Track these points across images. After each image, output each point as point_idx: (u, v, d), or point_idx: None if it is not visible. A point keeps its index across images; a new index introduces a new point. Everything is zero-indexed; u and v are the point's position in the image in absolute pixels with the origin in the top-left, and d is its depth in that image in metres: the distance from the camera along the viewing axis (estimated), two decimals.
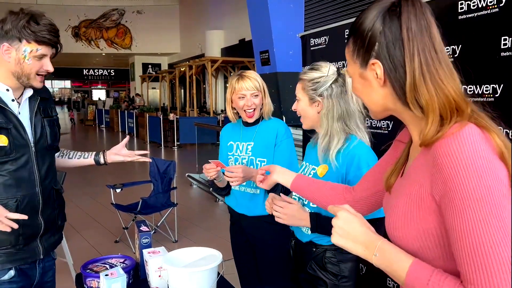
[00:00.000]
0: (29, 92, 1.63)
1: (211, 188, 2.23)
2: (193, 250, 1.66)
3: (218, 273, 1.57)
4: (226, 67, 14.48)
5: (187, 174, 7.33)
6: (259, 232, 2.08)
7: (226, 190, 2.16)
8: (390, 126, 2.41)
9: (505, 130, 1.75)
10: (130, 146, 13.25)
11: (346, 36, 2.40)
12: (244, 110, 2.03)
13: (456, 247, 0.76)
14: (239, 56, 13.29)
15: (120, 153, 1.92)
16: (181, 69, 15.78)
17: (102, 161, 1.92)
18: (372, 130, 2.26)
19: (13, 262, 1.57)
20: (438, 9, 2.05)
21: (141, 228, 1.87)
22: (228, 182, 2.00)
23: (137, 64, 22.80)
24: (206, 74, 16.42)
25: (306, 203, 1.59)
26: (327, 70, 1.55)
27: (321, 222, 1.49)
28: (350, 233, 0.88)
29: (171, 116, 12.99)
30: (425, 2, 0.88)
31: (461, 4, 1.90)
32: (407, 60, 0.83)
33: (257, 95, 2.03)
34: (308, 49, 3.08)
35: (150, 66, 22.85)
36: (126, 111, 16.45)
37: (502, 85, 1.76)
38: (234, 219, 2.21)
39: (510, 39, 1.70)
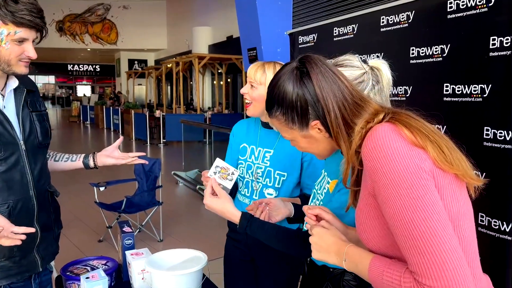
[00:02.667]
0: (14, 83, 1.44)
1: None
2: (177, 252, 1.62)
3: (204, 275, 1.53)
4: (213, 64, 14.40)
5: (173, 172, 7.25)
6: (268, 252, 1.75)
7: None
8: None
9: (492, 131, 1.74)
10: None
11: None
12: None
13: (394, 234, 0.83)
14: (226, 53, 13.22)
15: (112, 155, 1.74)
16: (168, 65, 15.63)
17: (91, 164, 1.74)
18: None
19: (9, 277, 1.41)
20: (427, 9, 2.04)
21: (124, 229, 1.81)
22: (232, 188, 1.68)
23: (123, 60, 22.52)
24: (193, 71, 16.30)
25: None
26: (360, 64, 1.23)
27: (252, 226, 1.30)
28: (323, 246, 0.99)
29: (157, 113, 12.87)
30: (322, 57, 1.01)
31: (450, 3, 1.89)
32: (327, 116, 0.97)
33: (254, 87, 1.70)
34: (297, 46, 3.05)
35: (136, 62, 22.60)
36: (111, 107, 16.24)
37: (490, 85, 1.75)
38: (237, 235, 1.88)
39: (499, 39, 1.69)
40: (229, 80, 15.89)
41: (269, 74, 1.67)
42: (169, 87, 20.73)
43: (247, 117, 1.91)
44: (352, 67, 1.23)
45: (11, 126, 1.41)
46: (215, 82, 16.35)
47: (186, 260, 1.57)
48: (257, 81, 1.69)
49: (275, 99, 1.01)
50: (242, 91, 1.75)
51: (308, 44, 2.92)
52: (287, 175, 1.74)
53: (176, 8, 19.36)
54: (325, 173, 1.47)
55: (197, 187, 6.23)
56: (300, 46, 3.02)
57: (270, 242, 1.31)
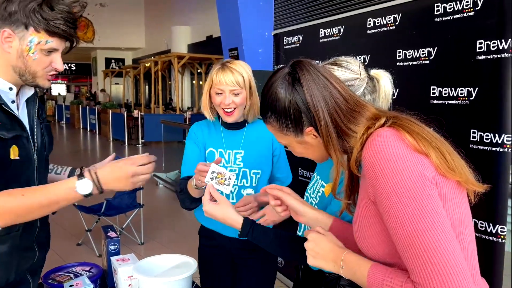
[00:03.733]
0: (29, 92, 1.30)
1: (180, 195, 1.79)
2: (166, 257, 1.57)
3: (193, 282, 1.49)
4: (193, 63, 14.28)
5: (153, 173, 7.14)
6: (250, 256, 1.79)
7: (198, 203, 1.73)
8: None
9: (479, 133, 1.77)
10: (92, 144, 12.85)
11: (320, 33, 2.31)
12: (222, 108, 1.70)
13: (395, 242, 0.81)
14: (206, 53, 13.14)
15: None
16: (146, 64, 15.42)
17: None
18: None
19: None
20: (414, 11, 2.06)
21: (108, 234, 1.75)
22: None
23: (99, 59, 22.09)
24: (172, 71, 16.14)
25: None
26: (357, 69, 1.21)
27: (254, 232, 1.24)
28: (320, 252, 0.97)
29: (136, 113, 12.67)
30: (313, 61, 0.99)
31: (437, 6, 1.91)
32: (317, 123, 0.94)
33: (238, 93, 1.66)
34: (282, 47, 3.04)
35: (113, 61, 22.19)
36: (88, 107, 15.92)
37: (477, 88, 1.77)
38: (217, 243, 1.83)
39: (486, 42, 1.71)
40: None
41: (244, 73, 1.67)
42: (147, 87, 20.46)
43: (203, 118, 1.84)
44: (347, 69, 1.22)
45: (28, 139, 1.26)
46: (194, 82, 16.23)
47: (175, 266, 1.52)
48: (240, 85, 1.66)
49: (269, 105, 0.99)
50: (225, 102, 1.66)
51: (294, 45, 2.91)
52: (261, 172, 1.75)
53: (154, 7, 19.12)
54: (318, 177, 1.46)
55: (180, 195, 6.15)
56: (285, 47, 3.01)
57: (272, 249, 1.29)
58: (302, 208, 1.15)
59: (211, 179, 1.38)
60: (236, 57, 6.64)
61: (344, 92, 0.96)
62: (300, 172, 2.85)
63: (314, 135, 0.97)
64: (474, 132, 1.78)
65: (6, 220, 1.14)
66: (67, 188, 1.19)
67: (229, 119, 1.71)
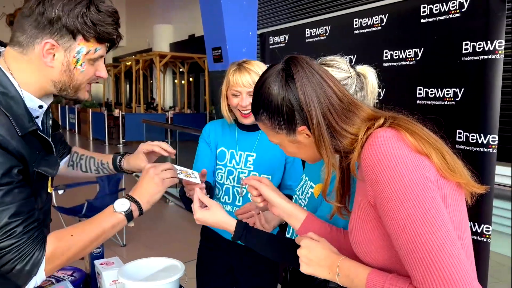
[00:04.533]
0: (49, 99, 1.10)
1: (183, 198, 1.71)
2: (152, 260, 1.53)
3: (181, 286, 1.46)
4: (175, 62, 14.16)
5: (134, 173, 7.03)
6: (249, 265, 1.75)
7: None
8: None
9: (465, 133, 1.78)
10: (71, 143, 12.54)
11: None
12: (239, 109, 1.64)
13: (397, 247, 0.78)
14: (188, 52, 13.04)
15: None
16: (127, 63, 15.22)
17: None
18: None
19: None
20: (401, 12, 2.07)
21: None
22: (210, 196, 1.59)
23: None
24: (153, 69, 15.97)
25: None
26: (347, 67, 1.22)
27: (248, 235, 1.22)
28: (314, 259, 0.93)
29: (116, 112, 12.50)
30: (308, 58, 0.95)
31: (424, 7, 1.92)
32: (309, 122, 0.90)
33: None
34: (267, 47, 3.02)
35: None
36: (67, 106, 15.62)
37: (463, 89, 1.79)
38: (217, 246, 1.79)
39: (472, 44, 1.73)
40: (191, 79, 15.68)
41: (261, 72, 1.56)
42: (128, 86, 20.19)
43: (215, 118, 1.82)
44: (338, 68, 1.21)
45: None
46: (176, 81, 16.09)
47: (161, 270, 1.49)
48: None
49: (261, 102, 0.95)
50: (244, 104, 1.62)
51: (279, 45, 2.90)
52: (272, 178, 1.68)
53: (136, 5, 18.89)
54: (307, 178, 1.45)
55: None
56: (270, 46, 2.99)
57: (265, 252, 1.26)
58: (277, 199, 1.12)
59: (178, 174, 1.35)
60: (220, 56, 6.60)
61: (339, 91, 0.92)
62: None
63: (307, 134, 0.93)
64: (460, 133, 1.79)
65: (57, 267, 1.04)
66: (108, 214, 1.12)
67: (246, 121, 1.67)
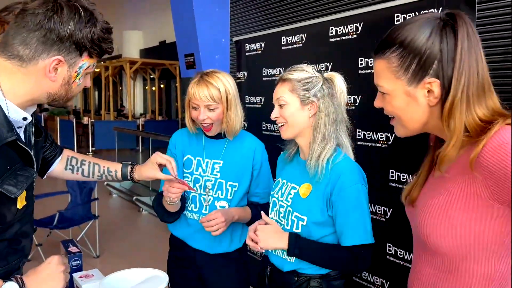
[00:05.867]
0: (32, 109, 1.08)
1: (157, 209, 1.73)
2: (133, 271, 1.50)
3: None
4: (145, 69, 13.98)
5: (106, 182, 6.88)
6: (222, 271, 1.72)
7: (176, 216, 1.69)
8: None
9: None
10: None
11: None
12: (199, 122, 1.64)
13: None
14: (159, 58, 12.92)
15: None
16: (96, 69, 14.91)
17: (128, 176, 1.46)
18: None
19: None
20: (375, 21, 2.12)
21: (69, 249, 1.65)
22: (180, 206, 1.64)
23: None
24: (123, 76, 15.72)
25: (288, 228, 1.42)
26: (312, 71, 1.39)
27: (300, 243, 1.33)
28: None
29: (85, 120, 12.21)
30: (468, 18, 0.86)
31: (398, 16, 1.98)
32: (454, 81, 0.82)
33: (213, 109, 1.58)
34: (243, 54, 3.03)
35: None
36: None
37: None
38: (184, 255, 1.76)
39: None
40: (162, 86, 15.52)
41: (221, 87, 1.60)
42: (97, 93, 19.77)
43: (183, 126, 1.83)
44: (302, 71, 1.40)
45: (33, 166, 1.08)
46: (147, 87, 15.88)
47: (144, 281, 1.46)
48: (216, 101, 1.58)
49: (400, 38, 0.86)
50: (200, 118, 1.60)
51: (256, 52, 2.91)
52: (239, 185, 1.67)
53: (104, 10, 18.32)
54: (284, 181, 1.50)
55: (134, 198, 5.97)
56: (246, 53, 3.00)
57: (317, 260, 1.38)
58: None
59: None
60: (192, 63, 6.57)
61: (485, 66, 0.84)
62: None
63: (430, 91, 0.85)
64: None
65: None
66: None
67: (209, 134, 1.68)
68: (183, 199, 1.68)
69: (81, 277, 1.53)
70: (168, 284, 1.43)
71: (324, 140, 1.35)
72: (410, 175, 1.94)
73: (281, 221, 1.44)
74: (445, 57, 0.83)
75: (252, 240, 1.39)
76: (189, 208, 1.73)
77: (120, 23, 16.57)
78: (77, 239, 4.12)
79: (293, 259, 1.39)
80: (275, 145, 2.80)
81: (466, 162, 0.81)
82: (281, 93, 1.38)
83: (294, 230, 1.38)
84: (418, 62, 0.84)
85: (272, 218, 1.47)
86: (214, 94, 1.57)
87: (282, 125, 1.41)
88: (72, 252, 1.63)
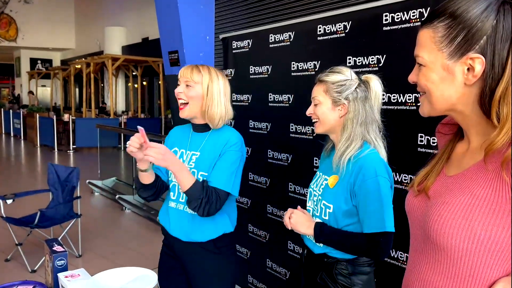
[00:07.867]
0: None
1: (135, 186, 1.76)
2: (122, 271, 1.48)
3: None
4: (128, 66, 13.78)
5: (88, 181, 6.76)
6: (198, 262, 1.75)
7: (150, 191, 1.73)
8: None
9: (426, 137, 1.87)
10: (16, 151, 11.88)
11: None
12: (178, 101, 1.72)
13: None
14: (142, 55, 12.74)
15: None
16: (77, 66, 14.63)
17: None
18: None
19: None
20: (364, 19, 2.13)
21: (54, 248, 1.61)
22: (154, 179, 1.69)
23: (23, 59, 20.56)
24: (104, 73, 15.46)
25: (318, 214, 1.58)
26: (349, 74, 1.51)
27: (325, 232, 1.48)
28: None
29: (66, 117, 11.97)
30: None
31: (386, 16, 1.99)
32: (509, 64, 0.76)
33: (191, 86, 1.68)
34: (230, 52, 3.01)
35: (39, 61, 20.78)
36: (11, 110, 14.77)
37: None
38: (167, 242, 1.85)
39: None
40: (144, 83, 15.33)
41: (205, 74, 1.71)
42: (77, 90, 19.40)
43: (171, 122, 1.88)
44: (339, 73, 1.52)
45: None
46: (129, 84, 15.66)
47: (132, 280, 1.43)
48: (194, 80, 1.69)
49: (452, 9, 0.81)
50: (177, 91, 1.71)
51: (243, 50, 2.90)
52: (208, 175, 1.71)
53: (86, 6, 18.22)
54: (320, 173, 1.65)
55: (117, 196, 5.88)
56: (234, 51, 2.98)
57: (340, 246, 1.49)
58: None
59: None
60: (176, 60, 6.50)
61: None
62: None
63: (470, 68, 0.80)
64: (421, 136, 1.87)
65: None
66: None
67: (181, 114, 1.73)
68: (163, 184, 1.78)
69: (66, 277, 1.50)
70: (157, 284, 1.41)
71: (349, 140, 1.47)
72: (405, 176, 1.96)
73: (315, 209, 1.59)
74: (499, 35, 0.77)
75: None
76: (171, 197, 1.80)
77: (103, 19, 16.30)
78: (59, 238, 4.03)
79: (321, 244, 1.53)
80: (261, 144, 2.79)
81: (494, 163, 0.78)
82: (316, 93, 1.54)
83: (323, 217, 1.52)
84: (466, 34, 0.79)
85: (309, 207, 1.63)
86: (195, 74, 1.69)
87: (315, 122, 1.57)
88: (57, 252, 1.59)
